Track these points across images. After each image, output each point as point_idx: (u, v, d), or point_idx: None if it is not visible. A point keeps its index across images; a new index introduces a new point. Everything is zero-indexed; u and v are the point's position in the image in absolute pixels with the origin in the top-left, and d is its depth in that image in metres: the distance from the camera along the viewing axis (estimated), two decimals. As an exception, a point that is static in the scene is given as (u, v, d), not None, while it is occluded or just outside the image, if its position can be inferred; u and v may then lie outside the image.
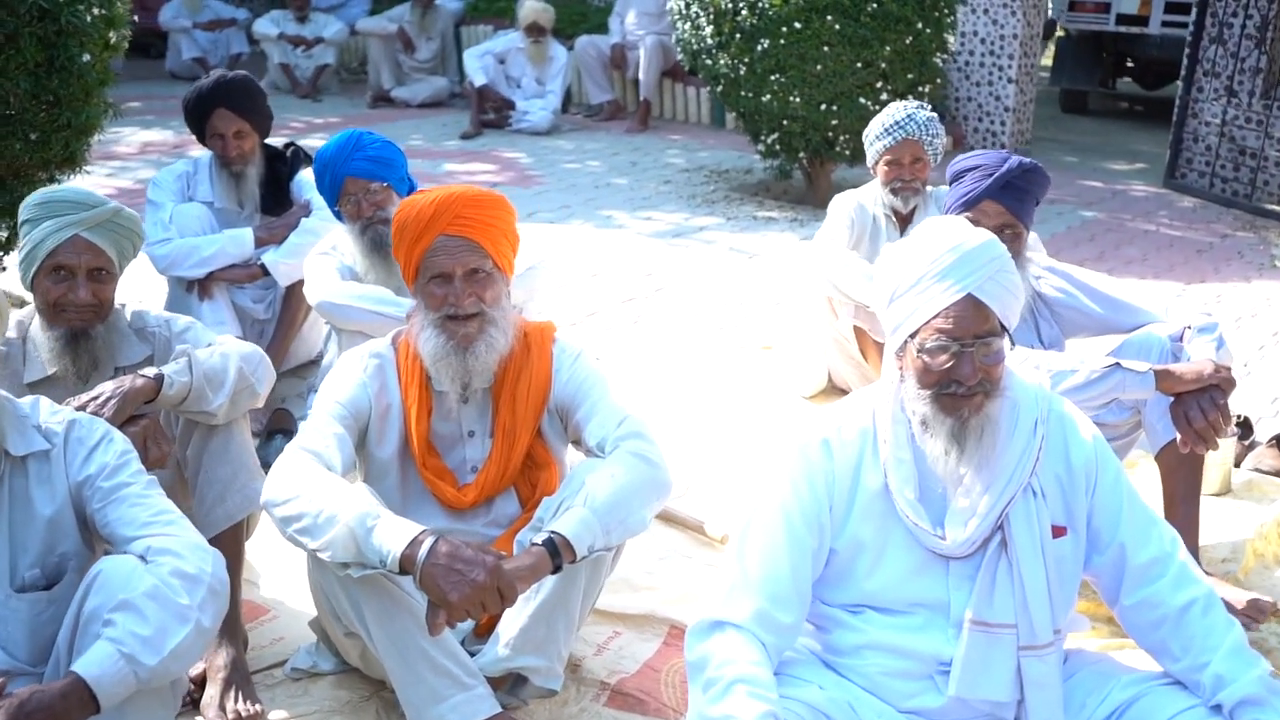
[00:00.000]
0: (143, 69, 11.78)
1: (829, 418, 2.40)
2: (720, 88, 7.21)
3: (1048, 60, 12.54)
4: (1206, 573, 3.18)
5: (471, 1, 11.26)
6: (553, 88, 9.39)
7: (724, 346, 4.92)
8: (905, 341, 2.26)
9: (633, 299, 5.53)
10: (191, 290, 4.22)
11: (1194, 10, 8.25)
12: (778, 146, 7.23)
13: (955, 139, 9.22)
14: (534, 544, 2.33)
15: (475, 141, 9.03)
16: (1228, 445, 3.78)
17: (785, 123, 6.99)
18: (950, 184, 3.29)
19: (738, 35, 6.84)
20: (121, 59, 5.03)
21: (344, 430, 2.58)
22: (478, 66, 9.35)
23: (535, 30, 9.22)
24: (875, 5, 6.59)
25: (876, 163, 4.22)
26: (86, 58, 4.35)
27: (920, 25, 6.74)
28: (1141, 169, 8.84)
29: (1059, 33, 11.59)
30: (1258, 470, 3.94)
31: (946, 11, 6.93)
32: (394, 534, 2.25)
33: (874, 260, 4.28)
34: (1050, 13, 9.89)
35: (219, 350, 2.76)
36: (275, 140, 4.43)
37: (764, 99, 6.90)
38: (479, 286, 2.60)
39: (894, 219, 4.31)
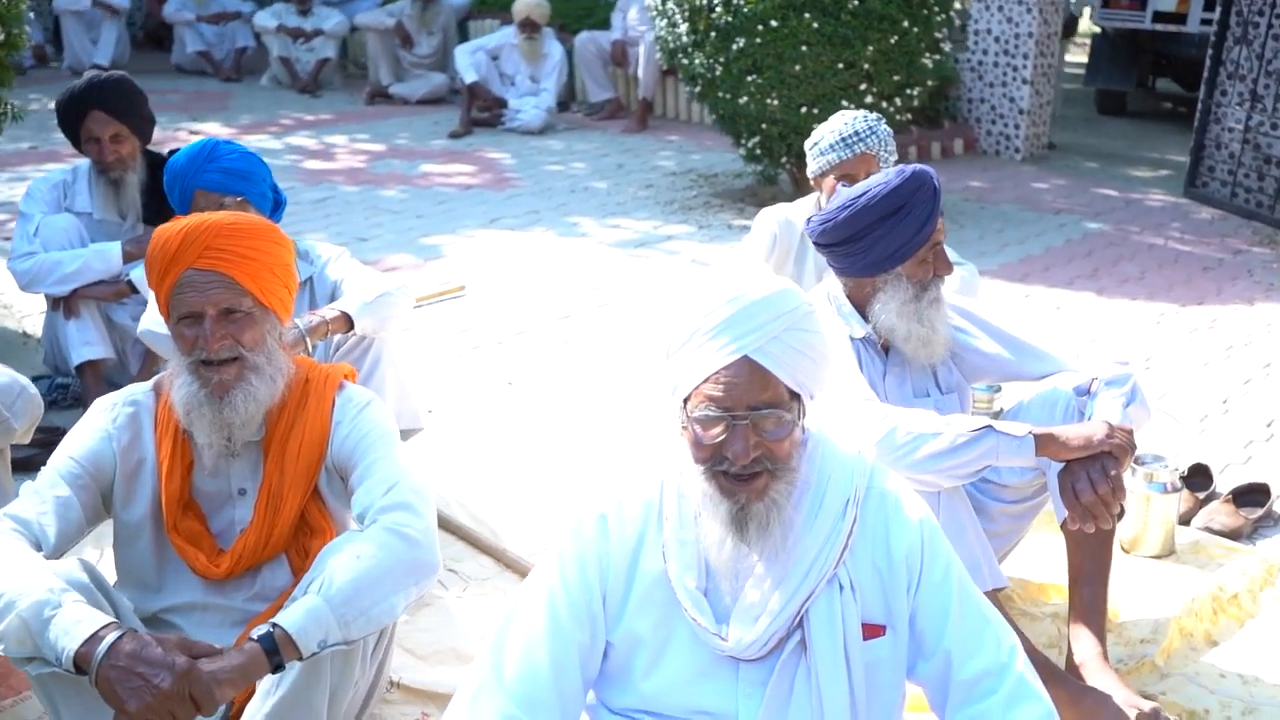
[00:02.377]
0: (151, 62, 11.63)
1: (613, 488, 2.06)
2: (698, 88, 6.83)
3: (1076, 59, 12.00)
4: (1117, 662, 2.78)
5: (477, -5, 10.98)
6: (547, 85, 9.06)
7: (646, 370, 4.56)
8: (681, 406, 1.92)
9: (569, 316, 5.19)
10: (58, 309, 3.95)
11: (1218, 7, 7.71)
12: (759, 150, 6.84)
13: (967, 143, 8.76)
14: (250, 639, 2.00)
15: (463, 141, 8.73)
16: (1167, 501, 3.36)
17: (765, 126, 6.60)
18: (859, 228, 2.75)
19: (713, 33, 6.46)
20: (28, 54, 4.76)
21: (72, 492, 2.26)
22: (469, 63, 9.04)
23: (528, 26, 8.90)
24: (857, 2, 6.17)
25: (822, 175, 3.82)
26: (-37, 60, 4.07)
27: (906, 24, 6.31)
28: (1165, 176, 8.32)
29: (1094, 30, 11.04)
30: (1208, 530, 3.50)
31: (937, 9, 6.49)
32: (72, 627, 1.93)
33: (798, 283, 3.91)
34: (1073, 8, 9.34)
35: None
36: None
37: (741, 100, 6.51)
38: (235, 328, 2.28)
39: (822, 239, 3.92)
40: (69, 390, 4.13)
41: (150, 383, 2.43)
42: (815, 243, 2.88)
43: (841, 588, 1.94)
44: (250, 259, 2.29)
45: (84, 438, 2.34)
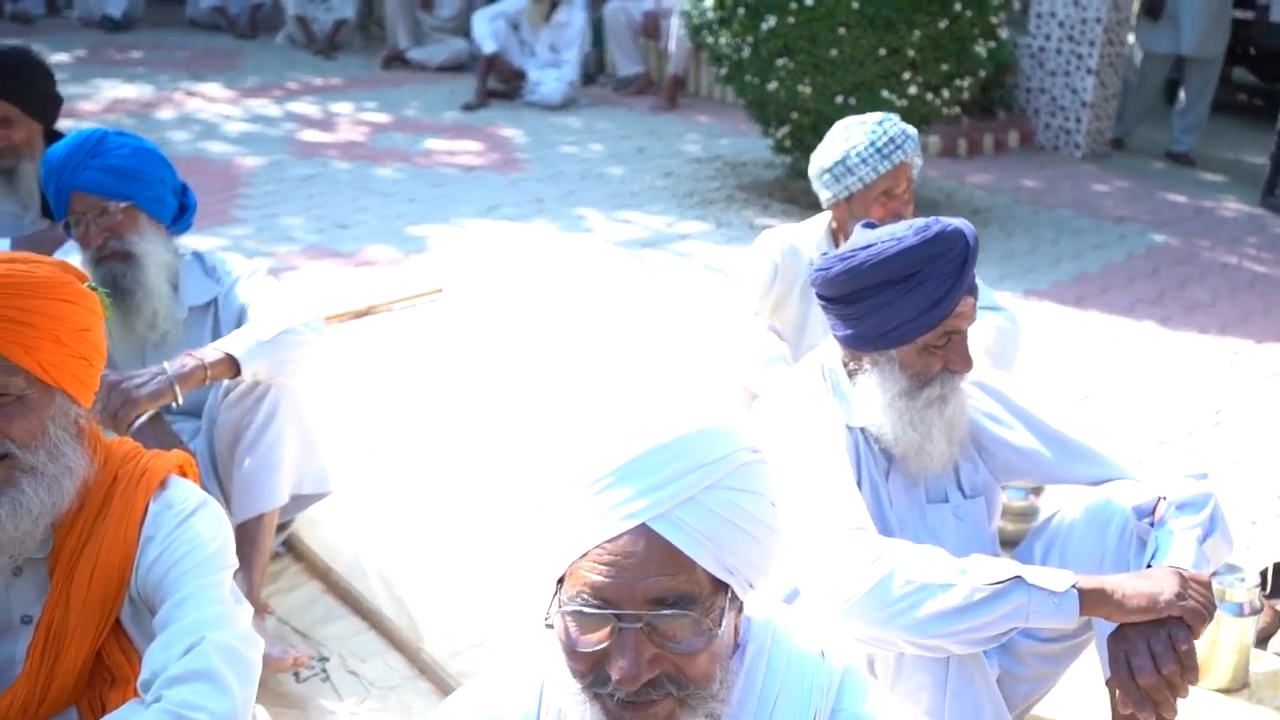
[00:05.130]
0: (166, 15, 11.10)
1: (488, 688, 1.47)
2: (724, 70, 6.16)
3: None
4: None
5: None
6: (568, 56, 8.40)
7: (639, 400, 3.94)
8: (554, 590, 1.32)
9: (556, 331, 4.57)
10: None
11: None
12: (788, 141, 6.17)
13: (1023, 136, 8.02)
14: None
15: (477, 114, 8.10)
16: (1243, 624, 2.71)
17: (795, 115, 5.93)
18: (855, 288, 2.13)
19: (741, 9, 5.78)
20: None
21: None
22: (488, 31, 8.40)
23: (538, -9, 8.30)
24: (904, -20, 5.48)
25: (850, 197, 3.16)
26: None
27: (959, 7, 5.61)
28: (1239, 181, 7.55)
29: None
30: (1290, 655, 2.86)
31: (995, -10, 5.78)
32: None
33: (804, 326, 3.27)
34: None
35: None
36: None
37: (770, 86, 5.84)
38: (1, 417, 1.69)
39: (835, 269, 3.27)
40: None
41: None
42: (816, 293, 2.26)
43: None
44: (23, 325, 1.69)
45: None
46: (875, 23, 5.53)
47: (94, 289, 1.84)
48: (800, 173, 6.71)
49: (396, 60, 9.53)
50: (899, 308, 2.12)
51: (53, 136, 3.53)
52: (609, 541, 1.23)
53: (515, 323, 4.62)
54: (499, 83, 8.48)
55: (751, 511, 1.27)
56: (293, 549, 3.03)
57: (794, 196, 6.54)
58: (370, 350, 4.27)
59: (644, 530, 1.23)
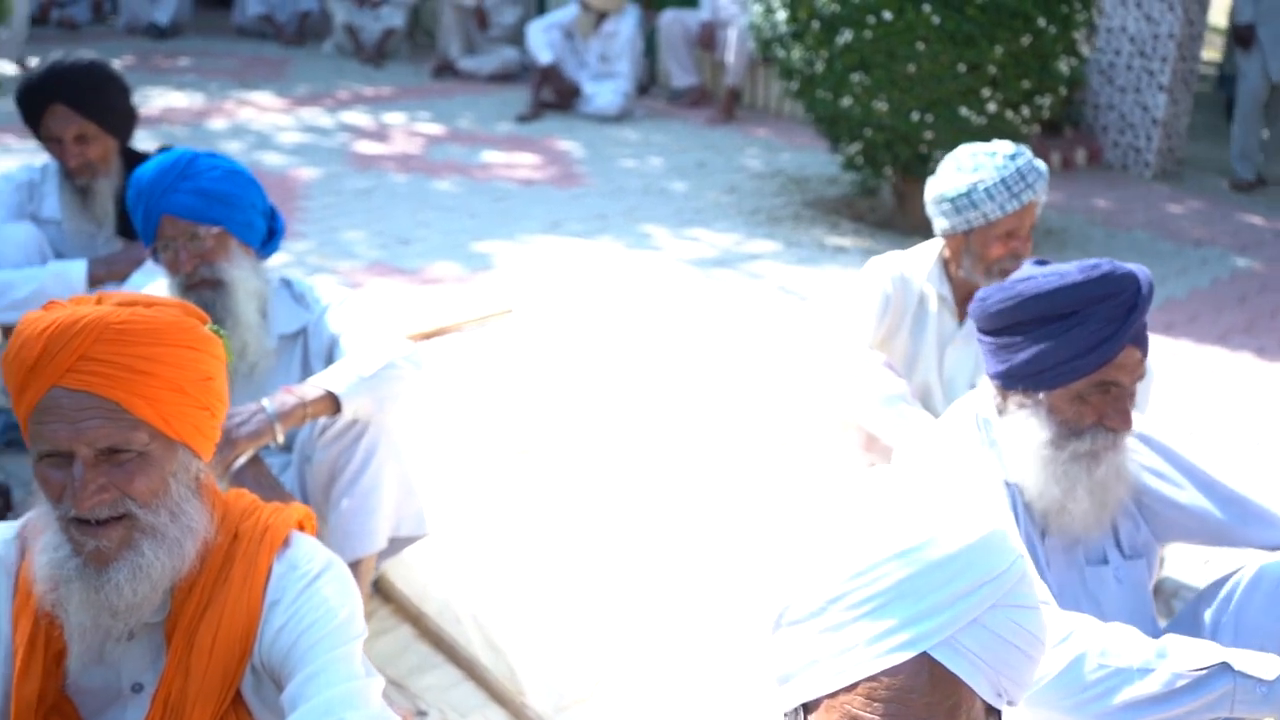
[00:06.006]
0: (213, 22, 11.02)
1: None
2: (794, 85, 5.99)
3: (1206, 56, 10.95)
4: None
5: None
6: (621, 67, 8.25)
7: (721, 437, 3.79)
8: (797, 717, 1.16)
9: (635, 352, 4.42)
10: (9, 338, 3.25)
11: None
12: (860, 159, 6.00)
13: (1091, 154, 7.83)
14: None
15: (532, 126, 7.97)
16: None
17: (868, 131, 5.76)
18: (1009, 322, 2.00)
19: (815, 23, 5.62)
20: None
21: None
22: (543, 41, 8.26)
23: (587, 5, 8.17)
24: (986, -5, 5.31)
25: (971, 230, 2.97)
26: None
27: (1043, 22, 5.43)
28: (1316, 202, 7.34)
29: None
30: None
31: (1079, 7, 5.59)
32: None
33: (914, 360, 3.10)
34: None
35: None
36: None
37: (844, 102, 5.68)
38: (121, 474, 1.55)
39: (949, 302, 3.12)
40: (27, 431, 3.45)
41: (13, 528, 1.72)
42: (975, 324, 2.11)
43: None
44: (146, 375, 1.55)
45: (-93, 610, 1.63)
46: (956, 38, 5.36)
47: (216, 332, 1.70)
48: (869, 190, 6.56)
49: (446, 69, 9.41)
50: (1054, 348, 1.97)
51: (128, 153, 3.41)
52: (886, 675, 1.07)
53: (590, 345, 4.47)
54: (552, 95, 8.34)
55: (1029, 628, 1.11)
56: (381, 590, 2.88)
57: (861, 214, 6.38)
58: (443, 375, 4.12)
59: (925, 660, 1.07)
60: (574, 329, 4.62)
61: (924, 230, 5.99)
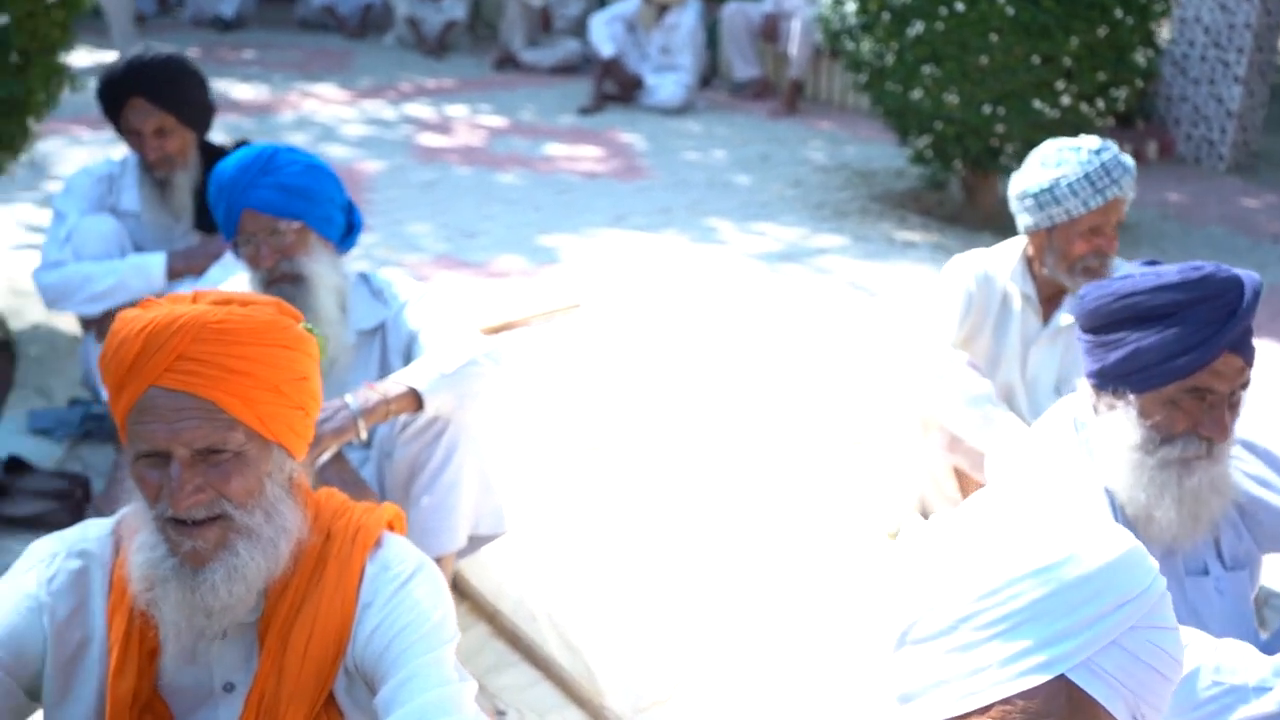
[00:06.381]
0: (276, 15, 11.10)
1: None
2: (863, 77, 5.92)
3: None
4: None
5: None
6: (682, 60, 8.20)
7: (796, 434, 3.74)
8: None
9: (706, 346, 4.38)
10: (90, 331, 3.29)
11: None
12: (929, 152, 5.92)
13: (1162, 147, 7.67)
14: None
15: (594, 118, 7.94)
16: None
17: (938, 124, 5.67)
18: (1104, 321, 1.96)
19: (886, 15, 5.55)
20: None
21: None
22: (606, 34, 8.23)
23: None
24: (1063, -15, 5.20)
25: (1054, 227, 2.90)
26: (3, 19, 3.42)
27: (1120, 13, 5.32)
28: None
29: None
30: None
31: (1157, -4, 5.48)
32: None
33: (997, 360, 3.04)
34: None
35: None
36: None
37: (914, 94, 5.59)
38: (217, 475, 1.54)
39: (1033, 301, 3.05)
40: (104, 422, 3.49)
41: (109, 524, 1.71)
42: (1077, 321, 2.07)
43: None
44: (243, 375, 1.54)
45: (2, 607, 1.63)
46: (1030, 29, 5.26)
47: (310, 330, 1.69)
48: (938, 184, 6.47)
49: (508, 61, 9.41)
50: (1147, 349, 1.91)
51: (206, 146, 3.42)
52: (1021, 697, 1.03)
53: (658, 340, 4.44)
54: (614, 87, 8.31)
55: (1167, 650, 1.06)
56: (457, 588, 2.87)
57: (929, 208, 6.29)
58: (512, 369, 4.11)
59: (1062, 683, 1.03)
60: (641, 324, 4.59)
61: (993, 225, 5.91)
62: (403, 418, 2.51)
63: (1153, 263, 2.00)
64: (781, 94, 8.47)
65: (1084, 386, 2.07)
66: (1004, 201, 6.04)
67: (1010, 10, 5.22)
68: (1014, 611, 1.04)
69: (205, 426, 1.52)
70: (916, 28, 5.42)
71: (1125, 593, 1.04)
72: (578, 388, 4.01)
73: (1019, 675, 1.03)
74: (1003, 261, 3.08)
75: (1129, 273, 1.98)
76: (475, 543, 2.68)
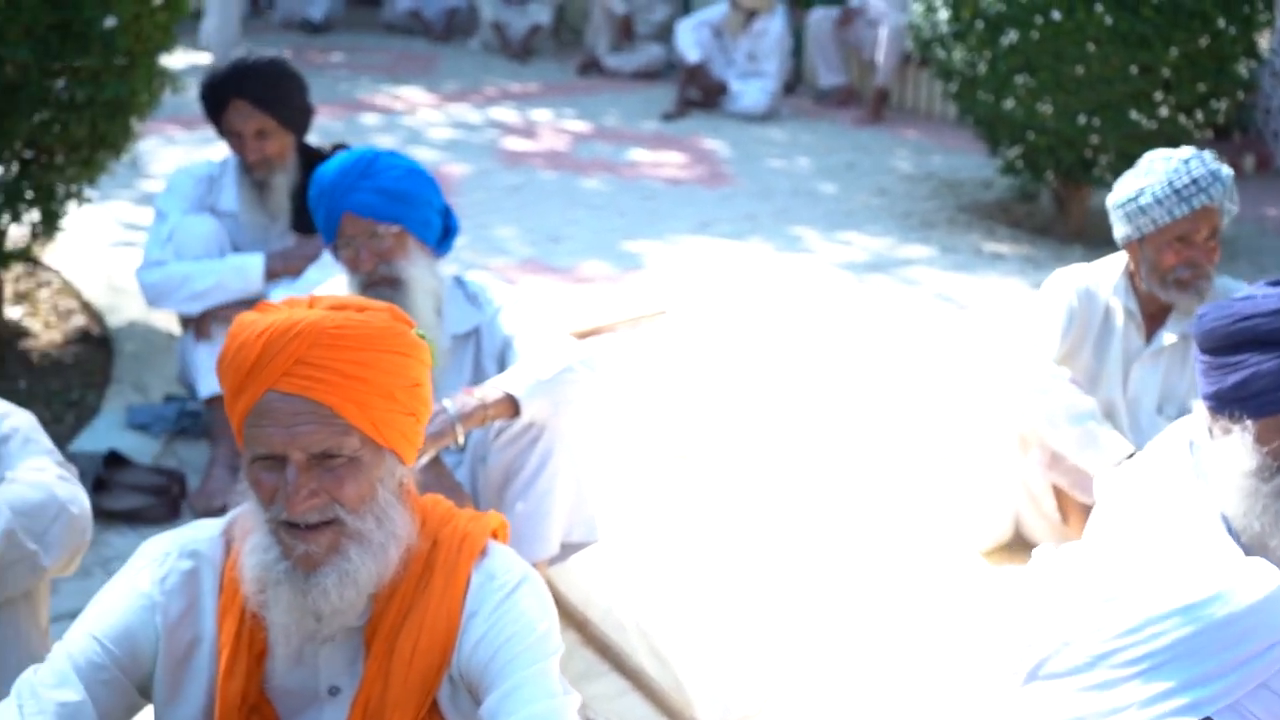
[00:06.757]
0: (362, 17, 11.22)
1: None
2: (953, 86, 5.85)
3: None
4: None
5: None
6: (768, 67, 8.16)
7: (884, 446, 3.69)
8: None
9: (792, 355, 4.34)
10: (188, 329, 3.34)
11: None
12: (1020, 163, 5.82)
13: (1260, 159, 7.49)
14: None
15: (677, 124, 7.93)
16: None
17: (1031, 135, 5.58)
18: (1223, 342, 1.90)
19: (979, 23, 5.47)
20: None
21: (86, 693, 1.57)
22: (692, 40, 8.21)
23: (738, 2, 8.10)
24: (1163, -6, 5.09)
25: (1142, 238, 2.84)
26: (112, 21, 3.48)
27: (1222, 22, 5.20)
28: None
29: None
30: None
31: (1262, 6, 5.34)
32: None
33: (1098, 378, 2.98)
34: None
35: None
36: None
37: (1006, 104, 5.51)
38: (332, 479, 1.55)
39: (1138, 318, 2.98)
40: (199, 419, 3.54)
41: (219, 525, 1.73)
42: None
43: None
44: (359, 380, 1.54)
45: (116, 605, 1.65)
46: (1129, 39, 5.16)
47: (422, 336, 1.69)
48: (1028, 196, 6.38)
49: (592, 66, 9.43)
50: (1265, 373, 1.85)
51: (304, 149, 3.46)
52: None
53: (745, 349, 4.42)
54: (698, 93, 8.29)
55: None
56: (546, 594, 2.86)
57: (1018, 220, 6.20)
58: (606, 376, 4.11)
59: None
60: (727, 332, 4.57)
61: (1084, 238, 5.80)
62: (498, 423, 2.51)
63: (1276, 283, 1.94)
64: (867, 102, 8.40)
65: (1199, 408, 2.01)
66: (1096, 214, 5.95)
67: (1109, 19, 5.12)
68: (1156, 651, 1.00)
69: (322, 431, 1.52)
70: (1010, 36, 5.34)
71: (1276, 633, 1.00)
72: (664, 395, 4.00)
73: (1161, 717, 0.99)
74: (1105, 276, 3.03)
75: (1250, 293, 1.92)
76: (567, 550, 2.68)
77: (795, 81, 9.00)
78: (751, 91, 8.14)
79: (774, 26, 8.16)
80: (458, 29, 10.70)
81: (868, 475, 3.53)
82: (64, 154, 3.79)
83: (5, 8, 3.35)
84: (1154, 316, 2.99)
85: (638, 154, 7.15)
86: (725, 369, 4.24)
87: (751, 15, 8.21)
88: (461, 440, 2.36)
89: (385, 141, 7.05)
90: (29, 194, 3.79)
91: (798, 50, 8.96)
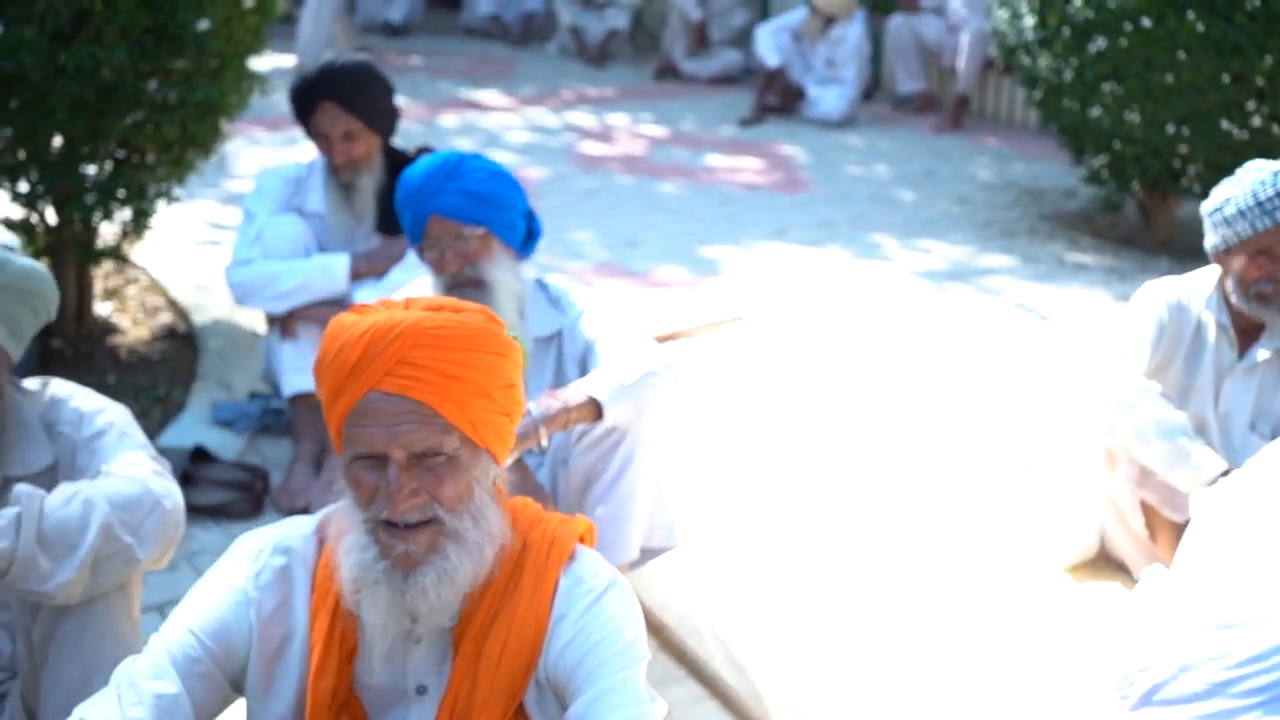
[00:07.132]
0: (442, 22, 11.32)
1: None
2: (1038, 94, 5.76)
3: None
4: None
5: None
6: (846, 73, 8.11)
7: (964, 457, 3.65)
8: None
9: (870, 363, 4.31)
10: (274, 327, 3.39)
11: None
12: (1105, 172, 5.73)
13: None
14: None
15: (754, 130, 7.91)
16: None
17: (1117, 144, 5.49)
18: None
19: (1066, 30, 5.39)
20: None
21: (183, 686, 1.60)
22: (771, 45, 8.19)
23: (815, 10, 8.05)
24: (1258, 2, 4.98)
25: (1228, 249, 2.79)
26: (205, 24, 3.55)
27: (1321, 30, 5.07)
28: None
29: None
30: None
31: (1360, 13, 5.20)
32: None
33: (1189, 392, 2.92)
34: None
35: (85, 494, 1.86)
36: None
37: (1092, 112, 5.43)
38: (432, 479, 1.56)
39: (1230, 332, 2.92)
40: (282, 417, 3.59)
41: (312, 522, 1.75)
42: None
43: None
44: (458, 380, 1.56)
45: (211, 600, 1.67)
46: (1221, 47, 5.05)
47: (515, 338, 1.70)
48: (1113, 206, 6.27)
49: (668, 71, 9.44)
50: None
51: (389, 151, 3.50)
52: None
53: (822, 357, 4.39)
54: (775, 99, 8.26)
55: None
56: (623, 598, 2.87)
57: (1102, 230, 6.10)
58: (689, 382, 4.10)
59: None
60: (805, 339, 4.55)
61: (1170, 249, 5.70)
62: (580, 426, 2.52)
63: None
64: (946, 108, 8.31)
65: None
66: (1182, 225, 5.85)
67: (1200, 26, 5.01)
68: (1261, 678, 0.98)
69: (423, 430, 1.54)
70: (1098, 44, 5.25)
71: None
72: (742, 402, 3.98)
73: None
74: (1197, 289, 2.96)
75: None
76: (647, 555, 2.68)
77: (874, 87, 8.93)
78: (829, 97, 8.10)
79: (852, 32, 8.10)
80: (535, 33, 10.76)
81: (948, 486, 3.49)
82: (155, 154, 3.87)
83: (102, 10, 3.42)
84: (1247, 331, 2.92)
85: (714, 159, 7.14)
86: (802, 376, 4.21)
87: (830, 21, 8.17)
88: (545, 443, 2.36)
89: (463, 145, 7.11)
90: (121, 193, 3.86)
91: (876, 56, 8.89)
